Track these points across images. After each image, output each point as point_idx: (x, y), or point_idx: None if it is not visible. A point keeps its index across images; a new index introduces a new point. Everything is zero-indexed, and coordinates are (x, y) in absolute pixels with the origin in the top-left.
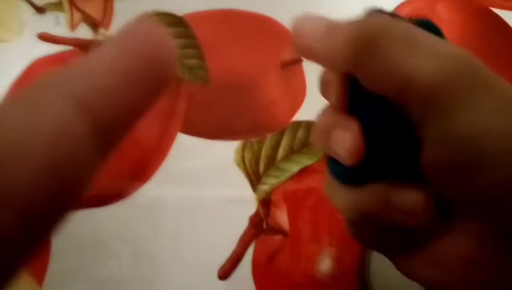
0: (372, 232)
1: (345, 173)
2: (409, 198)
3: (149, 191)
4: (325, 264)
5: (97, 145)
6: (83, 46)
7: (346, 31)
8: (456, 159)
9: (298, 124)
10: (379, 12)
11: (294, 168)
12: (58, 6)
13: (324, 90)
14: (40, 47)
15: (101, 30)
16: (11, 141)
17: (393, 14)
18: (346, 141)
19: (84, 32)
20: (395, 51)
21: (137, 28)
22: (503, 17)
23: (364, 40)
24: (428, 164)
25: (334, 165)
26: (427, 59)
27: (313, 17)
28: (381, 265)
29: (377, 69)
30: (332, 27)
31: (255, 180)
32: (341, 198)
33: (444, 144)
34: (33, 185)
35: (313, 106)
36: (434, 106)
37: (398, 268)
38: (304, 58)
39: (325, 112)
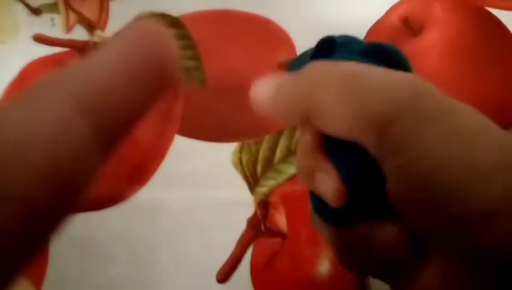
0: (358, 263)
1: (330, 215)
2: (387, 234)
3: (147, 194)
4: (323, 266)
5: (98, 146)
6: (78, 47)
7: (290, 90)
8: (412, 194)
9: (295, 125)
10: (326, 44)
11: (292, 169)
12: (53, 8)
13: (301, 133)
14: (36, 49)
15: (97, 31)
16: (12, 142)
17: (339, 45)
18: (329, 185)
19: (79, 33)
20: (335, 100)
21: (138, 28)
22: (498, 17)
23: (307, 96)
24: (392, 198)
25: (318, 204)
26: (368, 99)
27: (266, 80)
28: None
29: (324, 120)
30: (279, 88)
31: (252, 182)
32: (325, 233)
33: (400, 180)
34: (34, 186)
35: None
36: (385, 144)
37: None
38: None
39: (305, 152)
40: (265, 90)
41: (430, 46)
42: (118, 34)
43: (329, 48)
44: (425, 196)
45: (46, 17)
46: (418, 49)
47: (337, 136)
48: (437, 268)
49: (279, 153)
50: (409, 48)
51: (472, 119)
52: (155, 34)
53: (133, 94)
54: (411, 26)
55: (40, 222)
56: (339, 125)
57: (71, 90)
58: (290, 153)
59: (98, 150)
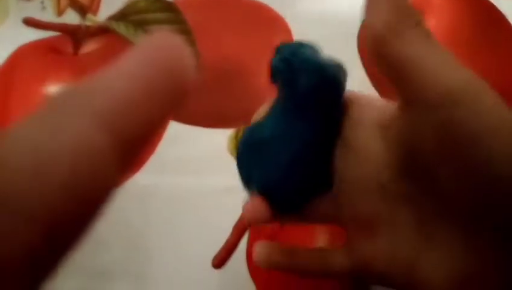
0: None
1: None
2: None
3: (141, 180)
4: None
5: (118, 160)
6: (70, 31)
7: None
8: (460, 152)
9: None
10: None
11: None
12: None
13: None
14: (26, 32)
15: (89, 15)
16: (34, 161)
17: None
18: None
19: (71, 17)
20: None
21: (156, 40)
22: (495, 4)
23: None
24: (433, 161)
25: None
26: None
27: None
28: None
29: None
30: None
31: None
32: None
33: (446, 133)
34: (56, 203)
35: None
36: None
37: None
38: None
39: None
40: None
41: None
42: (136, 46)
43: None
44: (469, 155)
45: (36, 0)
46: None
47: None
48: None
49: None
50: None
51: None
52: (172, 47)
53: (151, 107)
54: None
55: (64, 237)
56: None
57: (90, 105)
58: None
59: (117, 163)
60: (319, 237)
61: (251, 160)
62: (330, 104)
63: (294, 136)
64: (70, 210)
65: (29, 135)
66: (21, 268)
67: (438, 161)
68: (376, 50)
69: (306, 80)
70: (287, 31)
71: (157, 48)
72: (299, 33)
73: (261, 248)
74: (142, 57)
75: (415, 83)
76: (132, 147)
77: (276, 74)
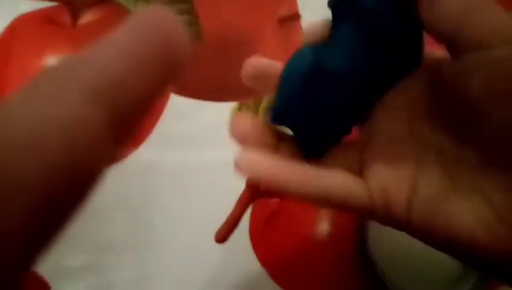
0: None
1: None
2: None
3: (142, 155)
4: (322, 226)
5: (111, 134)
6: (67, 2)
7: None
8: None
9: None
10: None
11: None
12: None
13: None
14: (23, 3)
15: None
16: (25, 134)
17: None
18: None
19: None
20: None
21: (150, 15)
22: None
23: None
24: (480, 97)
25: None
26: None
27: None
28: (379, 226)
29: None
30: None
31: None
32: None
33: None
34: (50, 177)
35: None
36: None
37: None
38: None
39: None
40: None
41: None
42: (129, 20)
43: None
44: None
45: None
46: None
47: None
48: None
49: None
50: None
51: None
52: (167, 21)
53: (145, 81)
54: None
55: (56, 212)
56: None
57: (84, 78)
58: None
59: (111, 138)
60: (321, 221)
61: (308, 92)
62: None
63: (372, 73)
64: (65, 183)
65: (22, 107)
66: (17, 241)
67: (488, 108)
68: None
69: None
70: (292, 0)
71: (150, 21)
72: (304, 2)
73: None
74: (135, 31)
75: (470, 29)
76: (126, 121)
77: None
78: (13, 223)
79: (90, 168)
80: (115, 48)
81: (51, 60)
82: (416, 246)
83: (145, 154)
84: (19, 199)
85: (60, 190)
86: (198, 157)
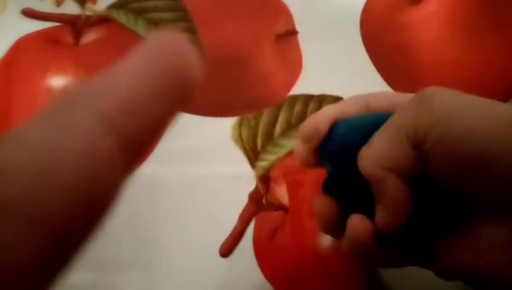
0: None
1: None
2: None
3: (146, 170)
4: (326, 239)
5: (124, 161)
6: (70, 22)
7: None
8: (457, 159)
9: (295, 98)
10: None
11: (292, 143)
12: None
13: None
14: (26, 23)
15: (88, 5)
16: (40, 163)
17: None
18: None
19: (70, 7)
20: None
21: (162, 40)
22: None
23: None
24: (442, 173)
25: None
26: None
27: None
28: None
29: None
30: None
31: (253, 156)
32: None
33: (444, 149)
34: (63, 207)
35: (309, 79)
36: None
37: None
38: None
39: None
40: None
41: (430, 14)
42: (141, 45)
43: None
44: (469, 158)
45: None
46: (418, 17)
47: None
48: (498, 228)
49: (279, 127)
50: (409, 17)
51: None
52: (179, 47)
53: (158, 108)
54: None
55: (70, 241)
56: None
57: (96, 107)
58: (290, 126)
59: (123, 165)
60: (324, 234)
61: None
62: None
63: None
64: (77, 213)
65: (34, 137)
66: (30, 274)
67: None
68: None
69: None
70: (289, 15)
71: (163, 47)
72: (301, 18)
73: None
74: (148, 57)
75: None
76: (138, 147)
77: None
78: (24, 259)
79: (103, 195)
80: (127, 75)
81: (54, 80)
82: None
83: (149, 171)
84: (32, 233)
85: (71, 221)
86: (200, 172)
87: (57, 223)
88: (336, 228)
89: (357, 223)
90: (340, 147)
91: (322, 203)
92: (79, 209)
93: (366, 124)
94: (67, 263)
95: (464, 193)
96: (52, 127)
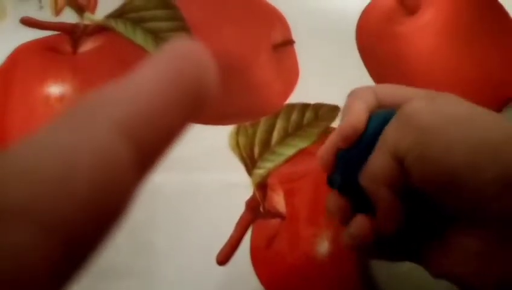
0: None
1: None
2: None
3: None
4: (323, 246)
5: (138, 170)
6: (68, 30)
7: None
8: (433, 177)
9: (292, 106)
10: None
11: (289, 151)
12: None
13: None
14: (24, 32)
15: (87, 14)
16: (53, 169)
17: None
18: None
19: (69, 16)
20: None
21: (178, 48)
22: None
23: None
24: (419, 186)
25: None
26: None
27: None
28: None
29: None
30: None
31: (250, 164)
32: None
33: (421, 168)
34: (76, 214)
35: (306, 87)
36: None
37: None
38: None
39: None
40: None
41: (426, 25)
42: (158, 53)
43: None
44: (443, 177)
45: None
46: (413, 27)
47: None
48: (473, 237)
49: (276, 135)
50: (405, 27)
51: (466, 107)
52: (195, 55)
53: (172, 118)
54: (406, 5)
55: (82, 250)
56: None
57: (111, 115)
58: (287, 134)
59: (137, 175)
60: (322, 241)
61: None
62: None
63: None
64: (90, 221)
65: (48, 143)
66: (41, 282)
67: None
68: None
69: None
70: (285, 25)
71: (180, 55)
72: (298, 28)
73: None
74: (163, 65)
75: None
76: (152, 156)
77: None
78: (37, 268)
79: (116, 204)
80: (145, 83)
81: (52, 87)
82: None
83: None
84: (44, 241)
85: (83, 229)
86: (198, 179)
87: (70, 231)
88: (345, 218)
89: (360, 221)
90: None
91: (334, 200)
92: (92, 217)
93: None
94: (78, 271)
95: (442, 205)
96: (68, 133)
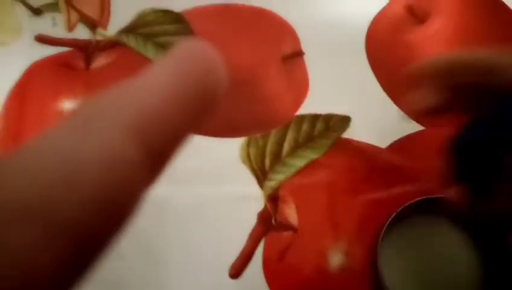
0: None
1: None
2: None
3: (155, 191)
4: (336, 259)
5: (147, 172)
6: (81, 46)
7: None
8: None
9: (302, 117)
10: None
11: (300, 162)
12: (54, 7)
13: None
14: (39, 49)
15: (99, 29)
16: (62, 169)
17: None
18: None
19: (82, 32)
20: None
21: (188, 50)
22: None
23: None
24: None
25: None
26: None
27: None
28: (392, 256)
29: None
30: None
31: (261, 176)
32: None
33: None
34: (85, 216)
35: (316, 98)
36: None
37: None
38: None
39: None
40: None
41: (436, 33)
42: (167, 56)
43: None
44: None
45: (47, 16)
46: (423, 36)
47: None
48: None
49: (286, 147)
50: (415, 36)
51: None
52: (205, 56)
53: (182, 119)
54: (416, 14)
55: (90, 251)
56: None
57: (121, 116)
58: (297, 145)
59: (146, 176)
60: (335, 254)
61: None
62: None
63: None
64: (99, 222)
65: (59, 144)
66: (50, 283)
67: None
68: None
69: None
70: (295, 37)
71: (188, 57)
72: (307, 39)
73: None
74: (174, 67)
75: None
76: (161, 158)
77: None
78: (46, 267)
79: (125, 205)
80: (152, 84)
81: (66, 104)
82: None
83: (157, 191)
84: (55, 241)
85: (93, 231)
86: (209, 192)
87: (79, 232)
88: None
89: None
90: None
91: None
92: (101, 218)
93: None
94: (87, 272)
95: None
96: (77, 135)
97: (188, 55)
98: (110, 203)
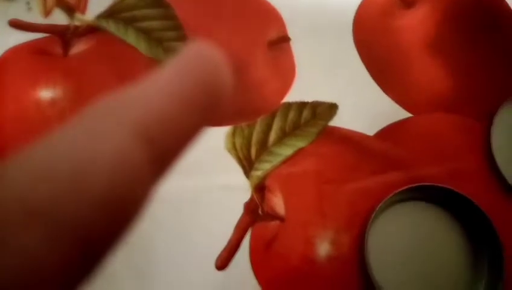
0: None
1: None
2: None
3: None
4: (323, 247)
5: (153, 172)
6: (59, 32)
7: None
8: None
9: (289, 105)
10: None
11: (287, 151)
12: None
13: None
14: (13, 35)
15: (77, 15)
16: (71, 171)
17: None
18: None
19: (58, 17)
20: None
21: (194, 51)
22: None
23: None
24: None
25: None
26: None
27: None
28: (380, 244)
29: None
30: None
31: (247, 166)
32: None
33: None
34: (92, 214)
35: (303, 86)
36: None
37: None
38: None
39: None
40: None
41: (422, 18)
42: (175, 57)
43: None
44: None
45: (21, 1)
46: (410, 21)
47: None
48: None
49: (273, 135)
50: (401, 21)
51: None
52: (211, 58)
53: (189, 119)
54: None
55: (98, 251)
56: None
57: (128, 117)
58: (284, 134)
59: (154, 175)
60: (322, 243)
61: None
62: None
63: None
64: (106, 221)
65: (67, 144)
66: (57, 283)
67: None
68: None
69: None
70: (281, 22)
71: (196, 59)
72: (293, 24)
73: None
74: (180, 69)
75: None
76: (168, 158)
77: None
78: (53, 268)
79: (131, 205)
80: (158, 85)
81: (43, 91)
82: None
83: None
84: (61, 241)
85: (100, 231)
86: (194, 183)
87: (86, 232)
88: None
89: None
90: None
91: None
92: (108, 218)
93: None
94: (94, 271)
95: None
96: (84, 135)
97: (196, 57)
98: (119, 203)
